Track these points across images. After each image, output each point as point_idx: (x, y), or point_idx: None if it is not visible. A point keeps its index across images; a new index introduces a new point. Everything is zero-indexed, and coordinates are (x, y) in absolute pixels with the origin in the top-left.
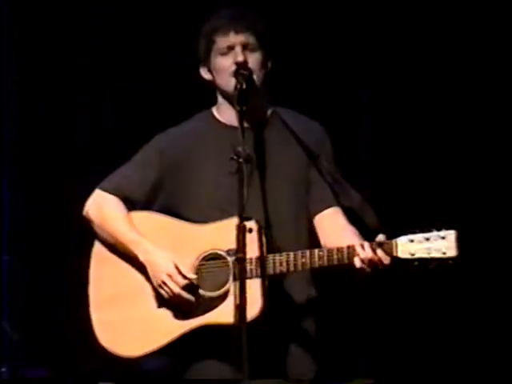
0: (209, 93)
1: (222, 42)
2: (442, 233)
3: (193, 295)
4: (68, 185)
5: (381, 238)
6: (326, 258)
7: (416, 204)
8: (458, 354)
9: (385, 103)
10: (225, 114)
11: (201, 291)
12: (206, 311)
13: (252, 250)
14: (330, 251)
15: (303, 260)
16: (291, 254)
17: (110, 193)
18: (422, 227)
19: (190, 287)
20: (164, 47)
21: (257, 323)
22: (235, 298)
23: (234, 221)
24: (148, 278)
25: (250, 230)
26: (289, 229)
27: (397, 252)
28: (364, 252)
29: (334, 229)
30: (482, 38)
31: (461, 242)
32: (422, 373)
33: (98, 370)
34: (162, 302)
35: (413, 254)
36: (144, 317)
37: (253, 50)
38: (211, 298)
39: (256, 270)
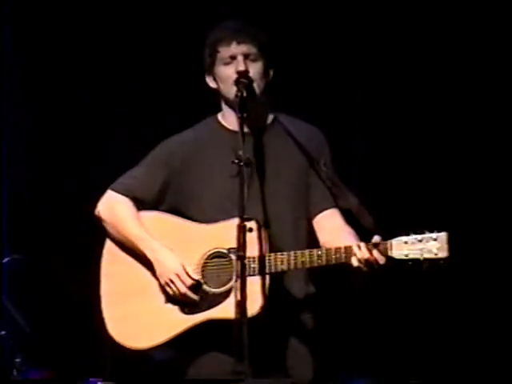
0: (214, 99)
1: (224, 52)
2: (434, 234)
3: (198, 293)
4: (68, 185)
5: (376, 239)
6: (324, 257)
7: (409, 206)
8: (455, 351)
9: (377, 106)
10: (228, 119)
11: (205, 288)
12: (211, 307)
13: (253, 249)
14: (328, 251)
15: (303, 259)
16: (291, 253)
17: (120, 194)
18: (415, 229)
19: (195, 286)
20: (171, 53)
21: (257, 319)
22: (236, 294)
23: (236, 221)
24: (155, 275)
25: (251, 230)
26: (288, 229)
27: (391, 253)
28: (361, 252)
29: (333, 229)
30: (475, 40)
31: (453, 243)
32: (422, 373)
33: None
34: (168, 297)
35: (406, 255)
36: (152, 311)
37: (254, 60)
38: (215, 295)
39: (257, 268)
